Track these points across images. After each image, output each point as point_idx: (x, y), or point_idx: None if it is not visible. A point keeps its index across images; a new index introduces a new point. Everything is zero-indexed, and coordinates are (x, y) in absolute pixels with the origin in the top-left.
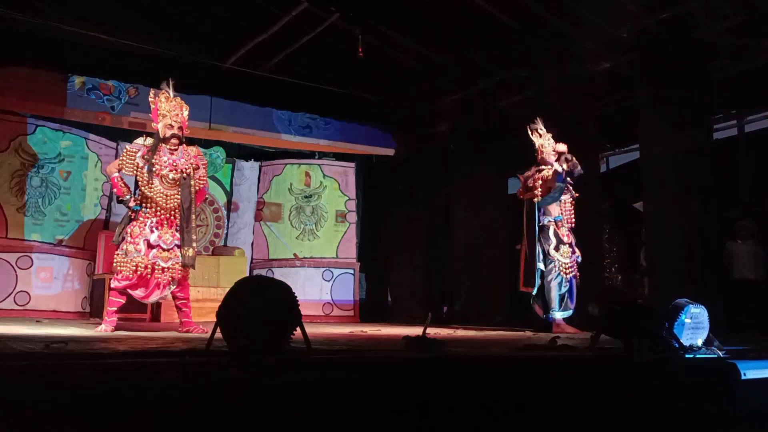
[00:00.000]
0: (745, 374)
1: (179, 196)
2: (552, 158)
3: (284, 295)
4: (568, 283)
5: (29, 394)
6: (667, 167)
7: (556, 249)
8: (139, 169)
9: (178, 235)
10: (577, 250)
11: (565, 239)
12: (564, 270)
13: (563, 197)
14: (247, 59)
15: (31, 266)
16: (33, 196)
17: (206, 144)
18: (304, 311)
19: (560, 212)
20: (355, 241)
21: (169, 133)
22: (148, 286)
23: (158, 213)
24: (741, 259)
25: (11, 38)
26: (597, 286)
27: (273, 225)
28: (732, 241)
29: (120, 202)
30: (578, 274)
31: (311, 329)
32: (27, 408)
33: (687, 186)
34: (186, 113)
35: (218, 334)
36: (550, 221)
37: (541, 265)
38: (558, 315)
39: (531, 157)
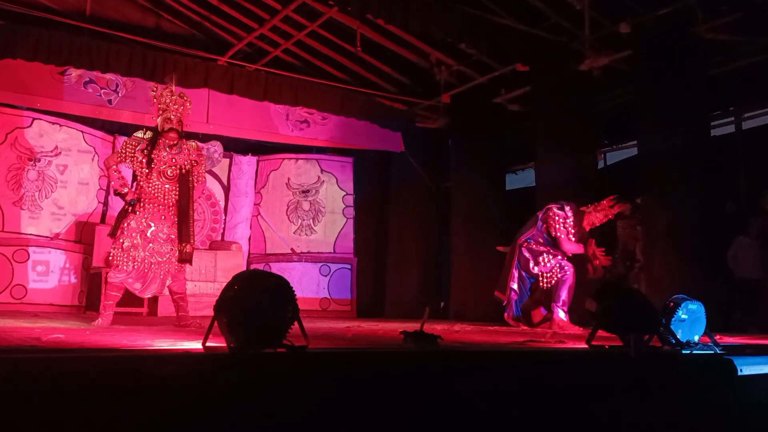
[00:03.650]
0: (741, 370)
1: (177, 192)
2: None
3: (282, 289)
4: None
5: (25, 388)
6: (664, 164)
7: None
8: (138, 163)
9: (175, 229)
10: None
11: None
12: (567, 271)
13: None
14: (245, 53)
15: (27, 260)
16: (29, 189)
17: (204, 138)
18: (301, 306)
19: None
20: (352, 237)
21: (167, 127)
22: (145, 280)
23: (156, 207)
24: (749, 257)
25: (8, 30)
26: (594, 282)
27: (270, 219)
28: (741, 236)
29: (117, 194)
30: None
31: (308, 324)
32: (22, 401)
33: (684, 182)
34: (188, 108)
35: (215, 329)
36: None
37: (536, 269)
38: (560, 311)
39: (527, 154)
